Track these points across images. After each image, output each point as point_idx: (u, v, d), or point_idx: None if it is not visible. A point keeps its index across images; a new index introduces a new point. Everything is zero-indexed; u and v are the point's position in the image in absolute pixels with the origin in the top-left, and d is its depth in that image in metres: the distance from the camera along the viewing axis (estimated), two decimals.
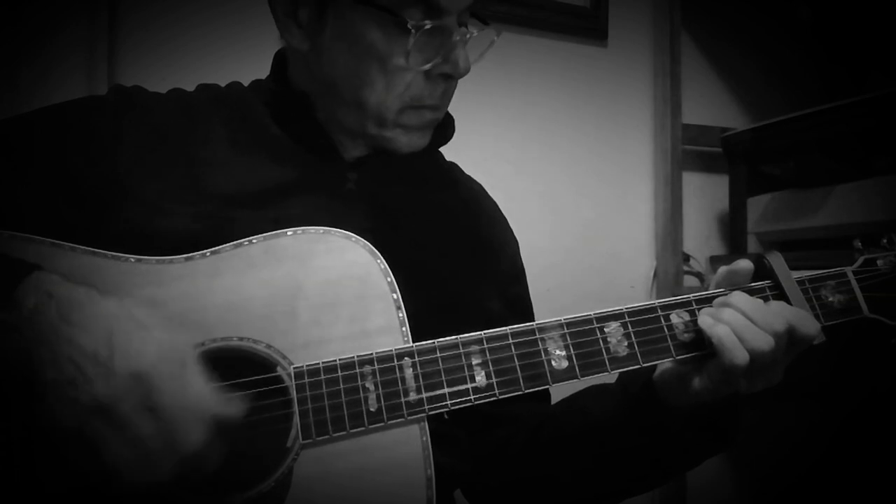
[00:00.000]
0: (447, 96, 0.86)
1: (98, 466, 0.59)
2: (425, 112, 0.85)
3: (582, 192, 1.75)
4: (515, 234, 1.05)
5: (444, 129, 0.94)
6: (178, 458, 0.59)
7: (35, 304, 0.61)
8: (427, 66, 0.80)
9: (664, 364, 0.78)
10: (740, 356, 0.70)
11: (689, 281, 1.81)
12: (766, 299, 0.78)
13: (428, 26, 0.78)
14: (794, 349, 0.73)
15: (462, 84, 0.87)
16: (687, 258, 1.81)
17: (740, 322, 0.71)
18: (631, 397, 0.82)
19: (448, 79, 0.83)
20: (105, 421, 0.58)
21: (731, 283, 0.78)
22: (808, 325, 0.73)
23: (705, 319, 0.74)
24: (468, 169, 1.06)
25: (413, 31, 0.77)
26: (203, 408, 0.61)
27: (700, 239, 1.87)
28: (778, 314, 0.72)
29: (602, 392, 0.86)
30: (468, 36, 0.82)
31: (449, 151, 1.01)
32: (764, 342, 0.70)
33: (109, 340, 0.60)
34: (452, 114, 0.95)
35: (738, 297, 0.74)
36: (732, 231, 1.77)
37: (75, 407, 0.58)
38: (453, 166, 1.04)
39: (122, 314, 0.62)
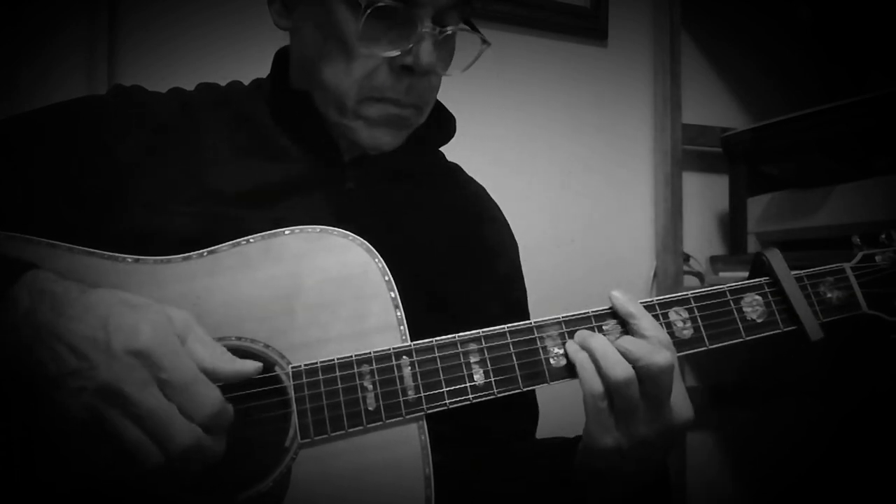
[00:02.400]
0: (415, 94, 0.82)
1: (118, 450, 0.59)
2: (387, 106, 0.82)
3: (582, 193, 1.75)
4: (515, 233, 1.05)
5: (445, 128, 0.94)
6: (195, 425, 0.60)
7: (30, 302, 0.61)
8: (388, 54, 0.78)
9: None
10: (597, 386, 0.69)
11: (689, 281, 1.81)
12: (764, 296, 0.78)
13: (381, 4, 0.75)
14: (652, 387, 0.70)
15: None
16: (687, 258, 1.81)
17: (604, 348, 0.70)
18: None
19: (412, 73, 0.80)
20: (114, 403, 0.58)
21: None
22: (656, 355, 0.69)
23: (571, 344, 0.73)
24: (467, 169, 1.06)
25: (363, 7, 0.76)
26: (210, 367, 0.62)
27: (700, 239, 1.87)
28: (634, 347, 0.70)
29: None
30: (437, 32, 0.79)
31: (448, 151, 1.01)
32: (622, 371, 0.68)
33: (105, 324, 0.60)
34: (452, 113, 0.95)
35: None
36: (732, 231, 1.77)
37: (82, 396, 0.58)
38: (455, 167, 1.04)
39: (115, 299, 0.63)
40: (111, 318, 0.61)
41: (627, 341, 0.70)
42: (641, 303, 0.75)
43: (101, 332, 0.60)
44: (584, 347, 0.71)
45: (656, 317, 0.75)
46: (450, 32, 0.80)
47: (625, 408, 0.70)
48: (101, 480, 0.61)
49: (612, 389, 0.69)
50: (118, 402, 0.58)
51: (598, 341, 0.71)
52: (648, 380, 0.69)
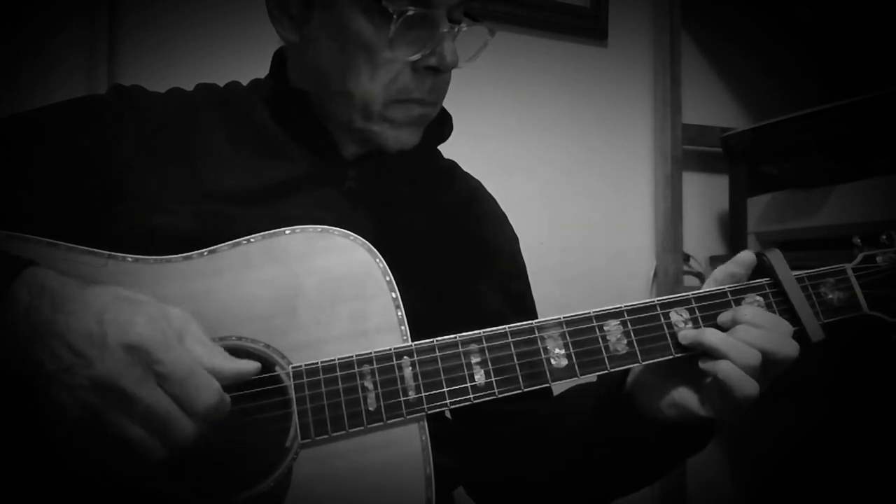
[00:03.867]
0: (436, 91, 0.85)
1: (118, 446, 0.59)
2: (413, 106, 0.84)
3: (582, 193, 1.75)
4: (516, 233, 1.05)
5: (441, 127, 0.94)
6: (194, 418, 0.60)
7: (30, 299, 0.61)
8: (413, 58, 0.79)
9: (643, 375, 0.78)
10: (751, 387, 0.70)
11: (689, 281, 1.81)
12: (765, 297, 0.78)
13: (410, 13, 0.77)
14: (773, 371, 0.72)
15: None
16: (687, 258, 1.81)
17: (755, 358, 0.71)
18: (602, 408, 0.81)
19: (435, 73, 0.82)
20: (110, 399, 0.58)
21: (733, 279, 0.78)
22: (785, 348, 0.72)
23: (705, 361, 0.72)
24: (467, 169, 1.06)
25: (395, 16, 0.77)
26: (208, 366, 0.62)
27: (700, 239, 1.87)
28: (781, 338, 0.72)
29: (582, 397, 0.86)
30: (457, 30, 0.81)
31: (449, 151, 1.01)
32: (751, 387, 0.70)
33: (100, 319, 0.60)
34: (451, 113, 0.95)
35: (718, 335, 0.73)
36: (732, 231, 1.77)
37: (78, 392, 0.58)
38: (452, 164, 1.04)
39: (111, 294, 0.63)
40: (106, 313, 0.61)
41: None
42: (640, 302, 0.76)
43: (96, 326, 0.60)
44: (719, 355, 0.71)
45: (657, 316, 0.75)
46: (465, 29, 0.82)
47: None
48: (101, 478, 0.61)
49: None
50: (115, 397, 0.58)
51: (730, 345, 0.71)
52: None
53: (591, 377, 0.75)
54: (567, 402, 0.89)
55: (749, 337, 0.71)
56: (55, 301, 0.61)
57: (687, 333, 0.74)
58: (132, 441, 0.59)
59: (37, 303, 0.61)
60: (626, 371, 0.78)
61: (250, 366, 0.65)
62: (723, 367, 0.70)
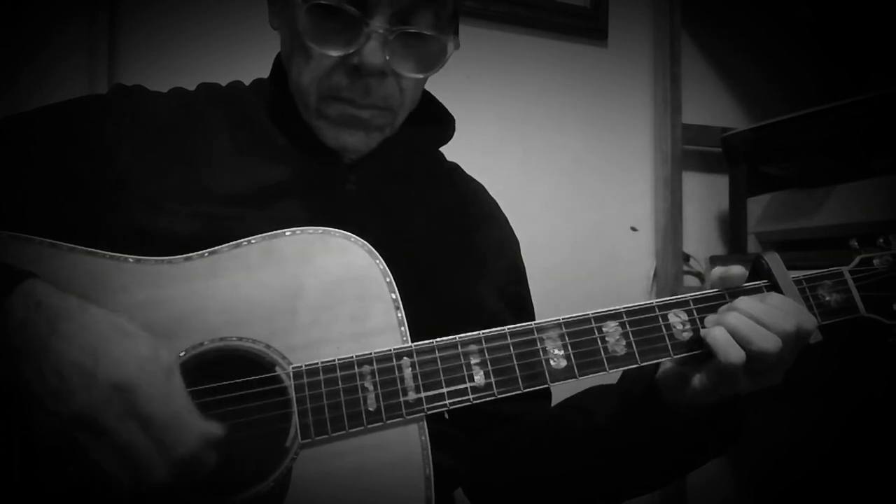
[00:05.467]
0: (372, 95, 0.80)
1: (87, 476, 0.59)
2: (344, 106, 0.81)
3: (582, 193, 1.75)
4: (516, 234, 1.05)
5: (444, 129, 0.94)
6: (170, 463, 0.59)
7: (25, 313, 0.61)
8: (334, 53, 0.78)
9: (666, 364, 0.77)
10: (735, 355, 0.70)
11: (689, 281, 1.81)
12: None
13: (314, 2, 0.76)
14: (798, 347, 0.73)
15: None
16: (687, 258, 1.81)
17: (745, 324, 0.71)
18: (634, 397, 0.81)
19: (364, 73, 0.78)
20: (88, 432, 0.58)
21: (726, 286, 0.78)
22: (808, 321, 0.73)
23: (706, 324, 0.73)
24: (468, 169, 1.06)
25: (302, 2, 0.77)
26: (189, 414, 0.61)
27: (700, 239, 1.87)
28: (785, 314, 0.72)
29: (605, 392, 0.86)
30: (383, 32, 0.77)
31: (449, 151, 1.01)
32: (772, 343, 0.70)
33: (94, 351, 0.60)
34: (453, 114, 0.96)
35: (744, 301, 0.73)
36: (732, 231, 1.77)
37: (56, 419, 0.58)
38: (454, 167, 1.04)
39: (109, 324, 0.62)
40: (101, 346, 0.60)
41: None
42: (639, 304, 0.76)
43: (89, 358, 0.59)
44: (721, 324, 0.72)
45: (655, 318, 0.76)
46: (400, 33, 0.78)
47: (762, 371, 0.72)
48: (85, 496, 0.61)
49: (758, 359, 0.70)
50: (93, 431, 0.58)
51: (739, 320, 0.71)
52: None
53: (590, 378, 0.75)
54: (585, 399, 0.88)
55: (744, 306, 0.72)
56: (51, 319, 0.61)
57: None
58: (99, 474, 0.58)
59: (33, 318, 0.61)
60: (656, 367, 0.78)
61: (216, 430, 0.62)
62: (712, 333, 0.71)
